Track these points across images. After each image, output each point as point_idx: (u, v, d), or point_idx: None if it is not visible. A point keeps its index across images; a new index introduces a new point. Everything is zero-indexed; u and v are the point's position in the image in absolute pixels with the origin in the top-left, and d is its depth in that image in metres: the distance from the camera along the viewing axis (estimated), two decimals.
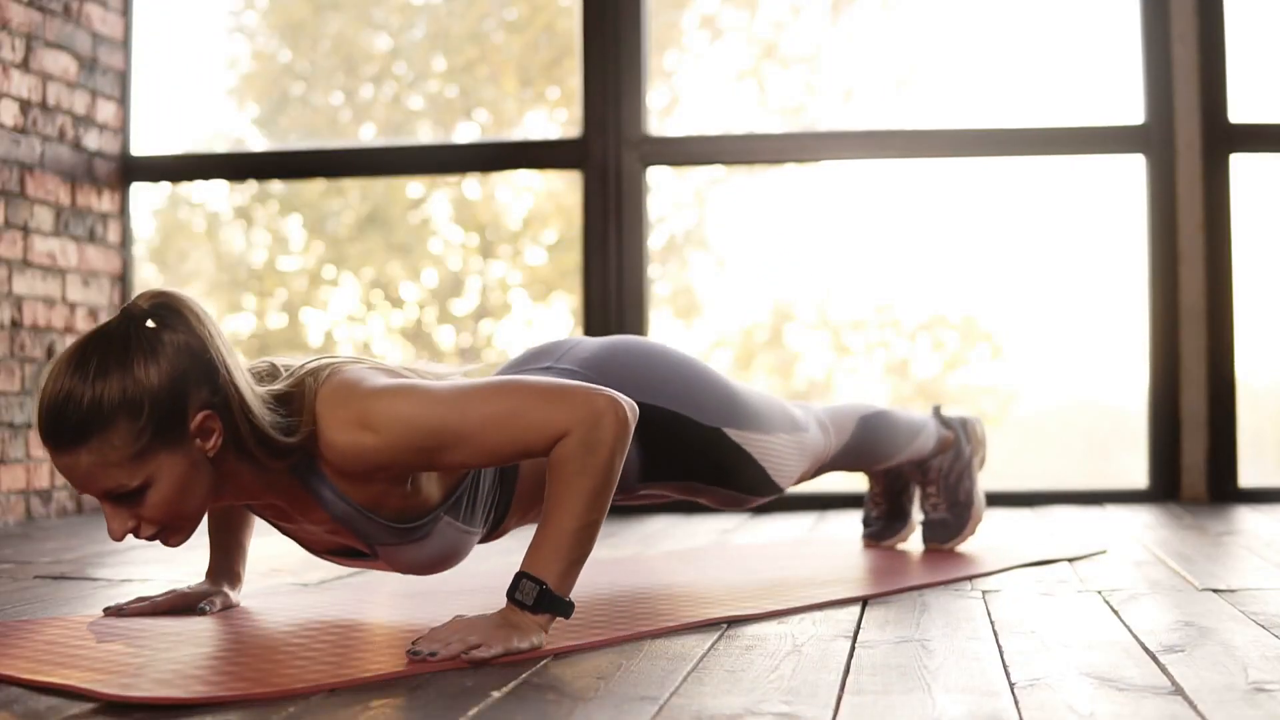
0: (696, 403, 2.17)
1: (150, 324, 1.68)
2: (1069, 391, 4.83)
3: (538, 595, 1.69)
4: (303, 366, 1.78)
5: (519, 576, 1.70)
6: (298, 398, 1.74)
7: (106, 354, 1.64)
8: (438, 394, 1.73)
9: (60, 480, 3.73)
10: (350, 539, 1.85)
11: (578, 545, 1.71)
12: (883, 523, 2.78)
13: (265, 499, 1.80)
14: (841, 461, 2.51)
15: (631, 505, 2.44)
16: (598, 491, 1.70)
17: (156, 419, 1.63)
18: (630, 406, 1.75)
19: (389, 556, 1.85)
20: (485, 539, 2.01)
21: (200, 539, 3.02)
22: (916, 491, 2.77)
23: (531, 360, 2.17)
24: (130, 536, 1.70)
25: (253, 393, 1.70)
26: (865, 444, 2.52)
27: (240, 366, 1.71)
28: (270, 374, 1.78)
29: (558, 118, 5.33)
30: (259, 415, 1.69)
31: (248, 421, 1.68)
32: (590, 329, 3.93)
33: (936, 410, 2.73)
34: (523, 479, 1.96)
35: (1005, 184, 4.48)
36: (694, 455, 2.17)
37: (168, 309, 1.69)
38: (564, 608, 1.71)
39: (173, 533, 1.73)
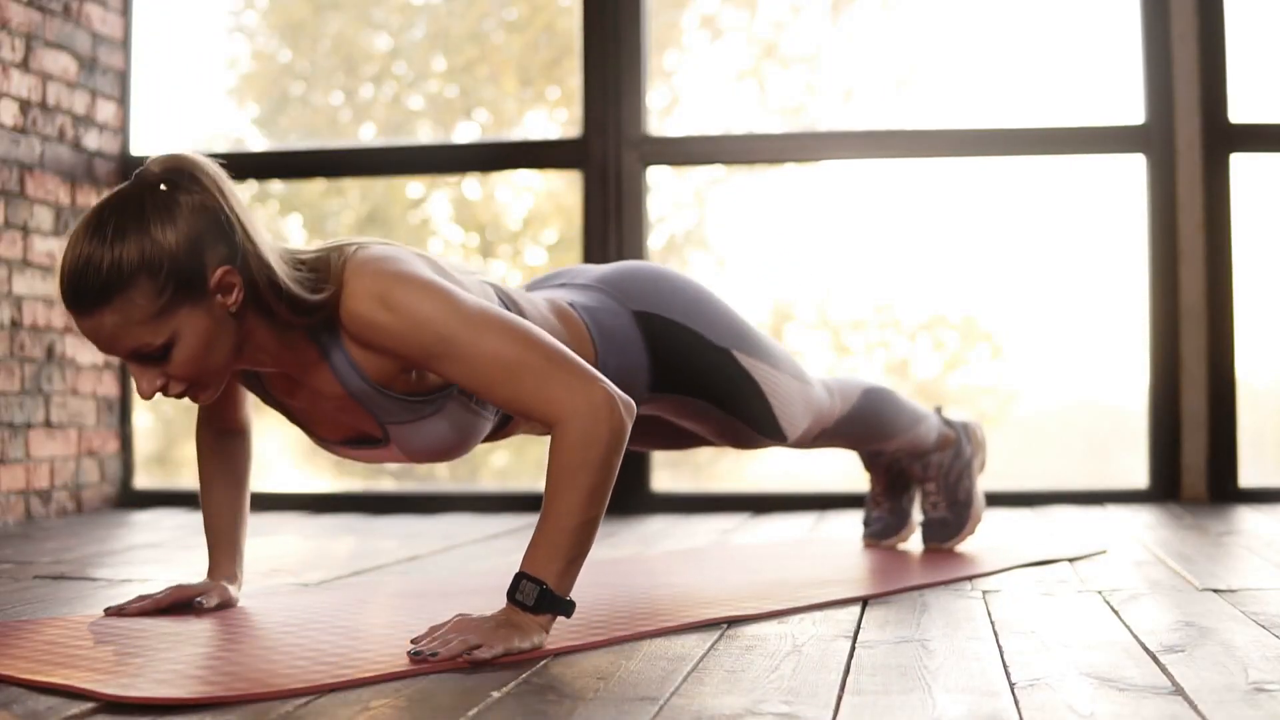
0: (707, 321, 2.21)
1: (164, 186, 1.72)
2: (1069, 391, 4.83)
3: (538, 595, 1.69)
4: (333, 241, 1.82)
5: (518, 577, 1.70)
6: (324, 265, 1.77)
7: (123, 217, 1.68)
8: (463, 307, 1.75)
9: (60, 480, 3.73)
10: (362, 419, 1.87)
11: (576, 543, 1.71)
12: (883, 522, 2.78)
13: (282, 365, 1.82)
14: (843, 429, 2.50)
15: (630, 449, 2.45)
16: (595, 489, 1.70)
17: (176, 277, 1.68)
18: (628, 405, 1.75)
19: (400, 439, 1.86)
20: (495, 434, 2.02)
21: (200, 539, 3.02)
22: (917, 493, 2.77)
23: (547, 280, 2.19)
24: (159, 395, 1.76)
25: (272, 249, 1.74)
26: (867, 415, 2.52)
27: (257, 224, 1.75)
28: (297, 254, 1.81)
29: (558, 118, 5.33)
30: (279, 270, 1.73)
31: (267, 276, 1.73)
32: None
33: (938, 411, 2.73)
34: None
35: (1005, 184, 4.48)
36: (703, 372, 2.19)
37: (180, 171, 1.73)
38: (565, 607, 1.71)
39: (200, 389, 1.77)
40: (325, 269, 1.78)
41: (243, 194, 1.77)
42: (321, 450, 2.05)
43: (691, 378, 2.19)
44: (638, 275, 2.20)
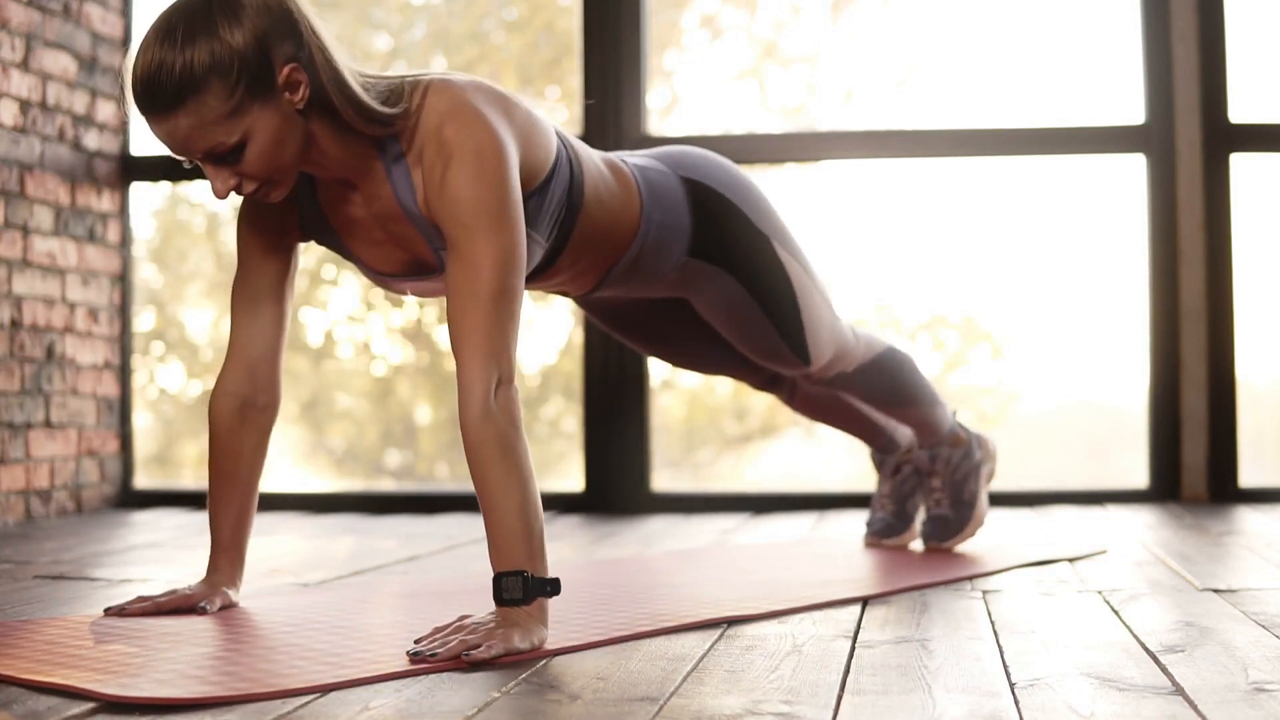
0: (752, 205, 2.27)
1: None
2: (1069, 391, 4.83)
3: (522, 585, 1.69)
4: (411, 72, 1.88)
5: (497, 579, 1.70)
6: (398, 87, 1.83)
7: (192, 21, 1.73)
8: (500, 213, 1.78)
9: (60, 480, 3.73)
10: (415, 242, 1.89)
11: (527, 521, 1.72)
12: (886, 522, 2.78)
13: (343, 171, 1.86)
14: (862, 378, 2.51)
15: (646, 348, 2.49)
16: (510, 466, 1.72)
17: (247, 76, 1.73)
18: (511, 375, 1.77)
19: None
20: (541, 272, 2.05)
21: (200, 539, 3.02)
22: (922, 495, 2.76)
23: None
24: (233, 194, 1.81)
25: (339, 50, 1.80)
26: (889, 370, 2.54)
27: (322, 26, 1.80)
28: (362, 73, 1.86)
29: (558, 118, 5.33)
30: (343, 71, 1.78)
31: (333, 75, 1.78)
32: (590, 329, 3.93)
33: (954, 414, 2.73)
34: (587, 209, 2.02)
35: (1005, 184, 4.47)
36: (741, 247, 2.24)
37: None
38: (550, 586, 1.72)
39: (274, 187, 1.82)
40: (400, 92, 1.83)
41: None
42: (380, 289, 2.08)
43: (728, 250, 2.23)
44: (693, 152, 2.27)
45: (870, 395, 2.56)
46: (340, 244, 1.98)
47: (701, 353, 2.50)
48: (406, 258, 1.94)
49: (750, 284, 2.26)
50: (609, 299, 2.36)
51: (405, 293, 2.04)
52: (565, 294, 2.25)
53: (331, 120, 1.81)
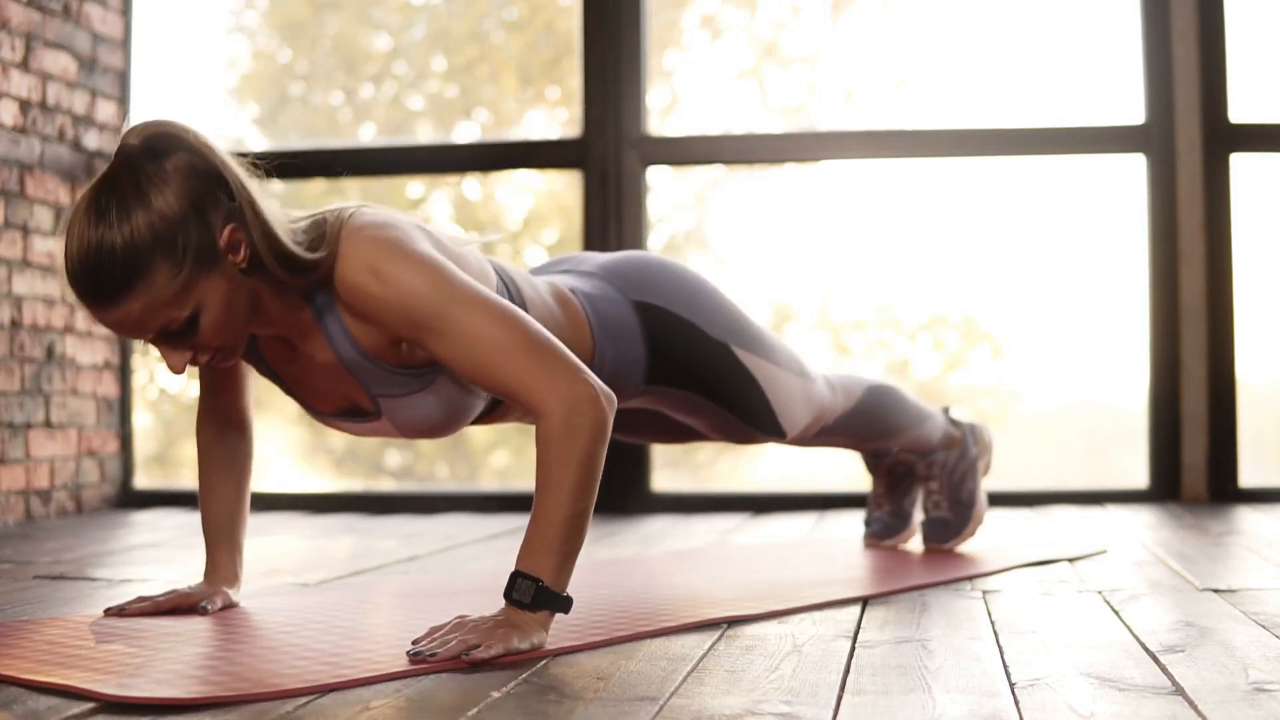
0: (708, 314, 2.20)
1: (150, 157, 1.68)
2: (1069, 391, 4.83)
3: (535, 593, 1.69)
4: (326, 206, 1.81)
5: (514, 576, 1.70)
6: (320, 228, 1.76)
7: (123, 196, 1.64)
8: (453, 284, 1.74)
9: (60, 480, 3.73)
10: (354, 389, 1.86)
11: (569, 537, 1.71)
12: (884, 523, 2.77)
13: (280, 328, 1.81)
14: (844, 426, 2.49)
15: (625, 440, 2.45)
16: (581, 483, 1.70)
17: (190, 245, 1.66)
18: (609, 397, 1.75)
19: (390, 412, 1.86)
20: (486, 416, 2.01)
21: (197, 539, 3.02)
22: (919, 493, 2.77)
23: (551, 266, 2.19)
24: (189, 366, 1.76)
25: (266, 200, 1.73)
26: (871, 413, 2.51)
27: (247, 178, 1.73)
28: (286, 214, 1.80)
29: (558, 118, 5.33)
30: (274, 223, 1.72)
31: (263, 230, 1.71)
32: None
33: (945, 411, 2.73)
34: None
35: (1005, 184, 4.47)
36: (700, 365, 2.18)
37: (161, 136, 1.69)
38: (562, 603, 1.71)
39: (227, 353, 1.77)
40: (321, 232, 1.77)
41: (226, 148, 1.76)
42: (319, 433, 2.06)
43: (688, 371, 2.18)
44: (640, 265, 2.19)
45: (855, 438, 2.56)
46: (279, 383, 1.96)
47: (675, 438, 2.46)
48: (344, 402, 1.92)
49: (715, 395, 2.21)
50: None
51: (342, 431, 2.01)
52: (524, 422, 2.19)
53: (267, 278, 1.74)
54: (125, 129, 1.73)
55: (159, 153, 1.68)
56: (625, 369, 2.11)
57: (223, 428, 2.07)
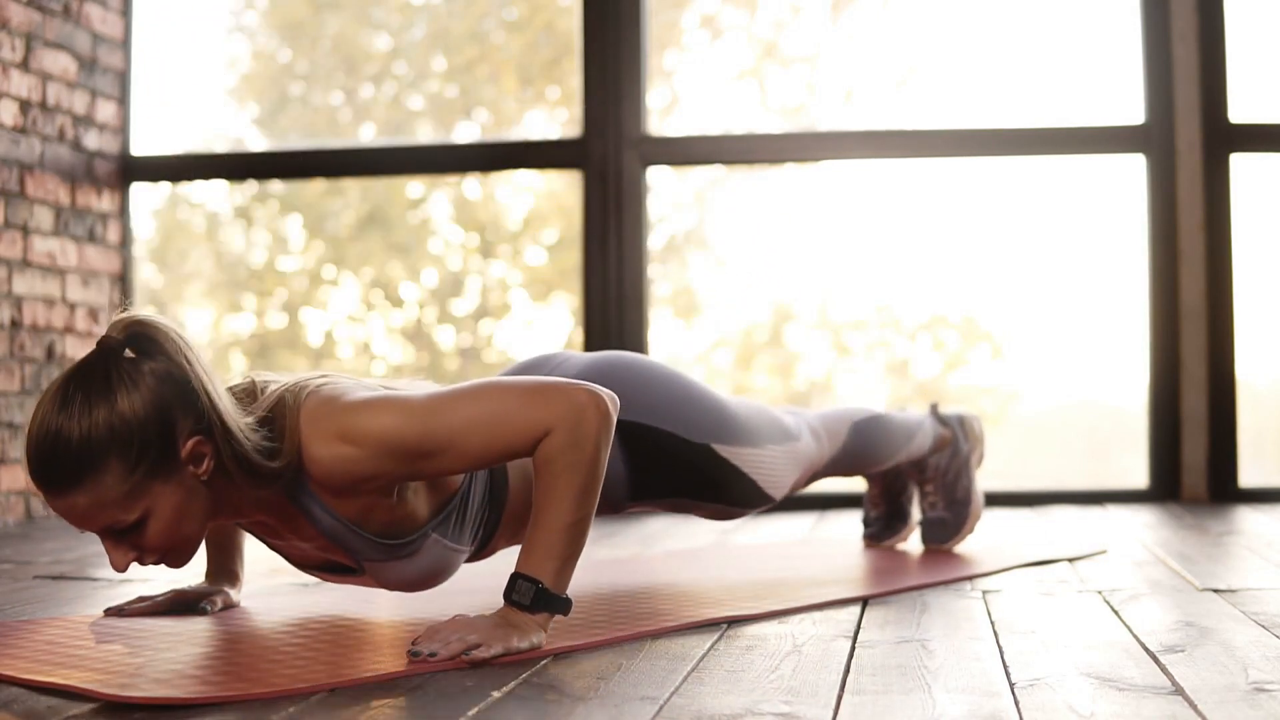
0: (685, 420, 2.17)
1: (128, 354, 1.65)
2: (1069, 391, 4.83)
3: (534, 595, 1.69)
4: (281, 387, 1.75)
5: (514, 577, 1.70)
6: (279, 418, 1.71)
7: (90, 391, 1.60)
8: (416, 403, 1.72)
9: None
10: (338, 555, 1.84)
11: (570, 542, 1.71)
12: (882, 523, 2.78)
13: (256, 517, 1.78)
14: (836, 468, 2.51)
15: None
16: (585, 487, 1.71)
17: (146, 451, 1.61)
18: (611, 398, 1.75)
19: (376, 573, 1.84)
20: (473, 558, 2.00)
21: None
22: (915, 492, 2.77)
23: (522, 372, 2.17)
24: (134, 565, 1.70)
25: (235, 418, 1.67)
26: (859, 450, 2.52)
27: (221, 391, 1.68)
28: (249, 392, 1.75)
29: (558, 118, 5.33)
30: (242, 441, 1.66)
31: (231, 447, 1.66)
32: (590, 329, 3.93)
33: (934, 408, 2.73)
34: (512, 498, 1.95)
35: (1005, 184, 4.48)
36: (682, 472, 2.17)
37: (144, 337, 1.66)
38: (561, 605, 1.71)
39: (176, 556, 1.71)
40: (280, 424, 1.71)
41: (205, 355, 1.71)
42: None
43: (671, 481, 2.17)
44: (615, 375, 2.15)
45: (847, 471, 2.56)
46: (262, 540, 1.94)
47: (662, 510, 2.45)
48: (328, 561, 1.90)
49: (701, 495, 2.21)
50: None
51: (326, 580, 1.98)
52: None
53: (235, 484, 1.71)
54: (115, 317, 1.69)
55: (138, 351, 1.66)
56: (608, 492, 2.10)
57: None
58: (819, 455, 2.42)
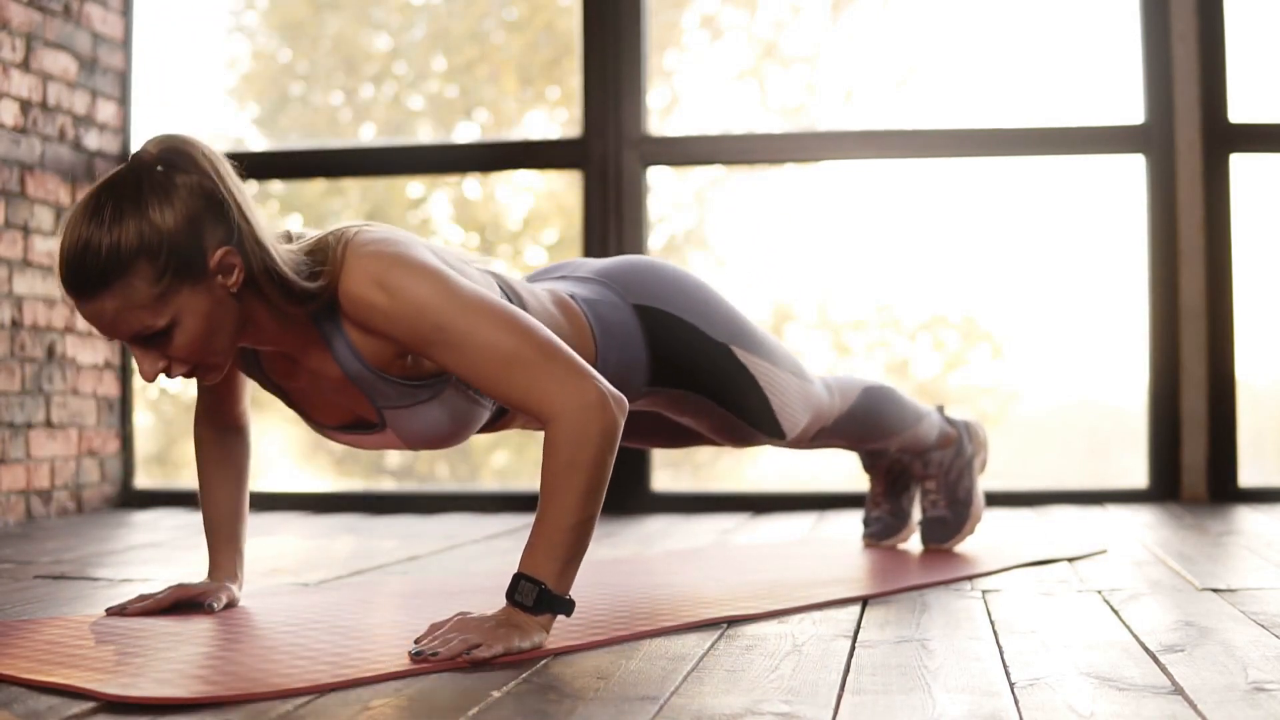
0: (706, 317, 2.20)
1: (160, 168, 1.71)
2: (1069, 391, 4.83)
3: (537, 595, 1.69)
4: (330, 227, 1.81)
5: (517, 578, 1.70)
6: (323, 249, 1.77)
7: (120, 200, 1.67)
8: (460, 294, 1.74)
9: (60, 480, 3.73)
10: (359, 402, 1.86)
11: (574, 542, 1.71)
12: (883, 523, 2.78)
13: (281, 345, 1.82)
14: (842, 427, 2.50)
15: (625, 445, 2.47)
16: (590, 487, 1.71)
17: (175, 259, 1.67)
18: (620, 401, 1.75)
19: (397, 424, 1.86)
20: (492, 424, 2.01)
21: (201, 538, 3.02)
22: (917, 493, 2.77)
23: (548, 273, 2.19)
24: (163, 377, 1.76)
25: (269, 231, 1.74)
26: (868, 413, 2.52)
27: (253, 206, 1.74)
28: (286, 237, 1.81)
29: (558, 118, 5.33)
30: (275, 254, 1.73)
31: (263, 259, 1.72)
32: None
33: (940, 410, 2.73)
34: None
35: (1005, 184, 4.48)
36: (700, 366, 2.19)
37: (177, 152, 1.72)
38: (564, 606, 1.71)
39: (205, 371, 1.77)
40: (324, 253, 1.77)
41: (238, 176, 1.77)
42: (320, 438, 2.05)
43: (690, 372, 2.19)
44: (639, 268, 2.19)
45: (852, 439, 2.56)
46: (284, 397, 1.96)
47: (678, 441, 2.47)
48: (347, 415, 1.92)
49: (716, 396, 2.22)
50: None
51: (347, 445, 2.01)
52: (527, 428, 2.18)
53: (265, 302, 1.76)
54: (150, 137, 1.75)
55: (170, 166, 1.71)
56: (628, 372, 2.11)
57: (220, 429, 2.08)
58: (829, 407, 2.43)
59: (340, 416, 1.93)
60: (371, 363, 1.81)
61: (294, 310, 1.76)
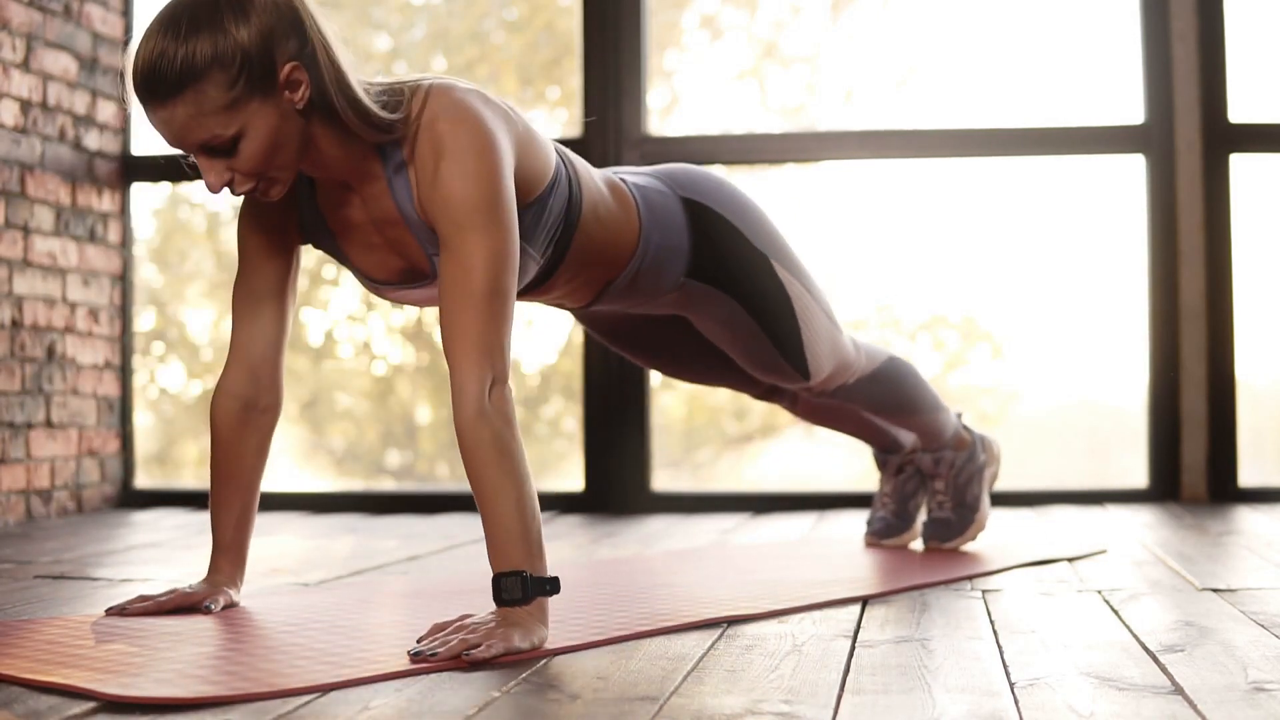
0: (751, 226, 2.25)
1: None
2: (1069, 391, 4.83)
3: (521, 585, 1.69)
4: (408, 77, 1.86)
5: (496, 579, 1.70)
6: (398, 93, 1.82)
7: (197, 14, 1.73)
8: (492, 213, 1.77)
9: (60, 480, 3.73)
10: (411, 249, 1.89)
11: (524, 520, 1.72)
12: (886, 522, 2.77)
13: (342, 173, 1.86)
14: (864, 389, 2.50)
15: (644, 363, 2.50)
16: (507, 466, 1.72)
17: (248, 70, 1.72)
18: (510, 388, 1.76)
19: None
20: (536, 286, 2.05)
21: (200, 538, 3.02)
22: (924, 499, 2.77)
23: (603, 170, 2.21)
24: (226, 191, 1.81)
25: (345, 54, 1.79)
26: (890, 380, 2.53)
27: (330, 28, 1.80)
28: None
29: (558, 118, 5.33)
30: (347, 73, 1.78)
31: (337, 78, 1.77)
32: None
33: (958, 416, 2.73)
34: (583, 228, 2.01)
35: (1005, 184, 4.47)
36: (739, 268, 2.23)
37: None
38: (550, 584, 1.72)
39: (270, 184, 1.82)
40: (399, 96, 1.82)
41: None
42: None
43: (728, 271, 2.22)
44: (690, 170, 2.26)
45: (872, 405, 2.56)
46: (337, 248, 1.98)
47: (700, 366, 2.50)
48: (402, 265, 1.94)
49: (749, 304, 2.25)
50: (607, 313, 2.36)
51: (401, 302, 2.04)
52: (562, 307, 2.25)
53: (332, 123, 1.81)
54: None
55: None
56: (668, 256, 2.16)
57: (245, 407, 2.02)
58: (854, 362, 2.45)
59: (393, 270, 1.96)
60: (421, 210, 1.84)
61: (362, 133, 1.80)
